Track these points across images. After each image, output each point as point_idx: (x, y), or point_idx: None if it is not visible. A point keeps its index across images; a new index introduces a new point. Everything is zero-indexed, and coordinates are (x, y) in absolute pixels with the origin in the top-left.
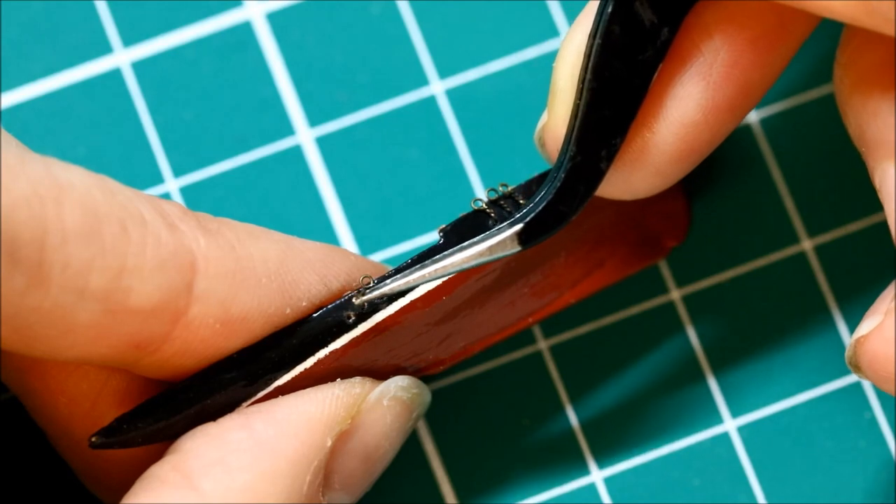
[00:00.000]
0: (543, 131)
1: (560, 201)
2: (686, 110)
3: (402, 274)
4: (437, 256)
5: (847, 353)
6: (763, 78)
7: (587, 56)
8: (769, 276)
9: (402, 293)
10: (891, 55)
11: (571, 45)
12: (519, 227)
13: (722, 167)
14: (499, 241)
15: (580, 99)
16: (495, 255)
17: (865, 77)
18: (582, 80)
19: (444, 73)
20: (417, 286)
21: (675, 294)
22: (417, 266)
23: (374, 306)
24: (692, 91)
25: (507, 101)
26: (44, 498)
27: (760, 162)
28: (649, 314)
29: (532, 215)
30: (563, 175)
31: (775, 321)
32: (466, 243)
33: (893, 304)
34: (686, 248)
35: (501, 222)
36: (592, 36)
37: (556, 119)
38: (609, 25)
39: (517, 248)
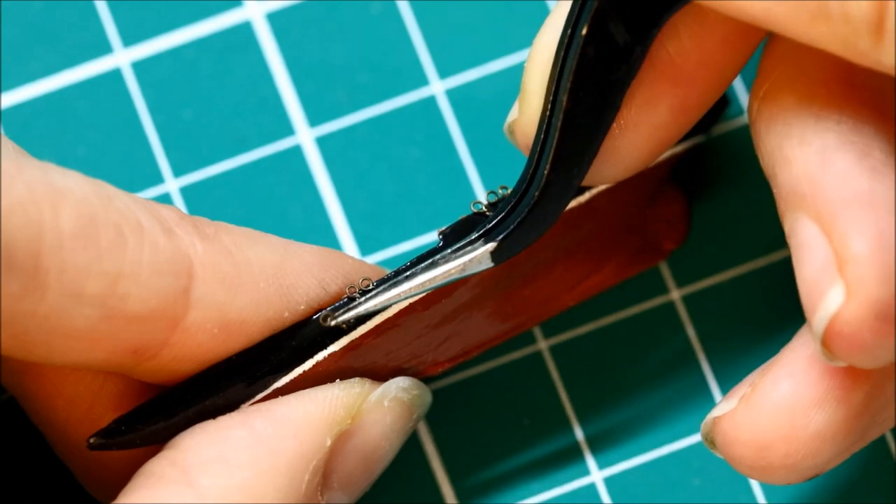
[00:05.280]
0: (513, 126)
1: (534, 219)
2: (656, 113)
3: (373, 294)
4: (409, 273)
5: (702, 430)
6: (733, 72)
7: (557, 76)
8: (769, 276)
9: (375, 313)
10: (813, 91)
11: (542, 45)
12: (492, 245)
13: (722, 167)
14: (472, 259)
15: (552, 116)
16: (468, 273)
17: (782, 116)
18: (553, 98)
19: (444, 73)
20: (389, 306)
21: (675, 294)
22: (389, 285)
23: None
24: (662, 94)
25: (507, 101)
26: (43, 498)
27: None
28: (649, 314)
29: (505, 233)
30: (537, 194)
31: (775, 321)
32: (440, 258)
33: (749, 390)
34: (686, 249)
35: (489, 230)
36: (563, 56)
37: (527, 119)
38: (584, 48)
39: (490, 265)
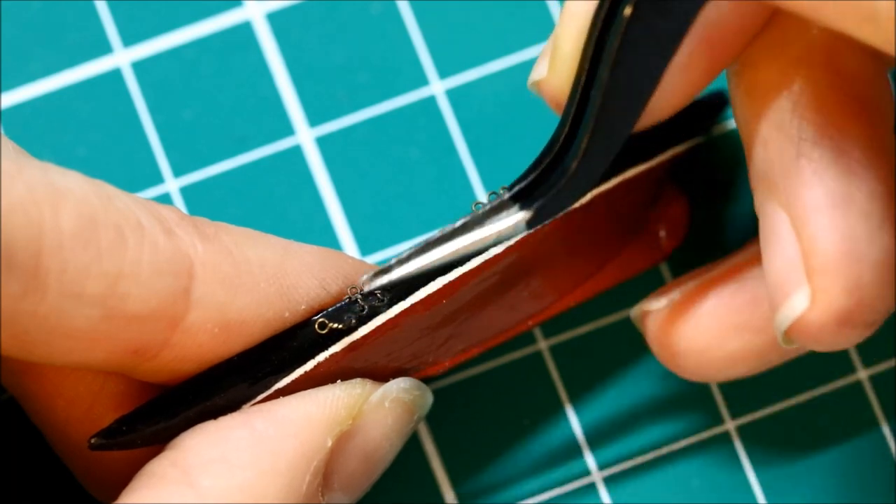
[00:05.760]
0: (541, 85)
1: (571, 188)
2: (689, 75)
3: (408, 259)
4: (443, 237)
5: (632, 315)
6: None
7: (595, 48)
8: None
9: (410, 285)
10: (796, 71)
11: (577, 6)
12: (529, 214)
13: (722, 167)
14: (507, 227)
15: (591, 88)
16: (502, 239)
17: (762, 90)
18: (591, 69)
19: (444, 73)
20: (429, 272)
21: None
22: (423, 249)
23: (375, 309)
24: (698, 59)
25: (507, 101)
26: (43, 498)
27: None
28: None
29: (542, 202)
30: (575, 165)
31: None
32: (473, 221)
33: (678, 297)
34: (686, 249)
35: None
36: (601, 29)
37: (558, 80)
38: (626, 31)
39: (524, 232)
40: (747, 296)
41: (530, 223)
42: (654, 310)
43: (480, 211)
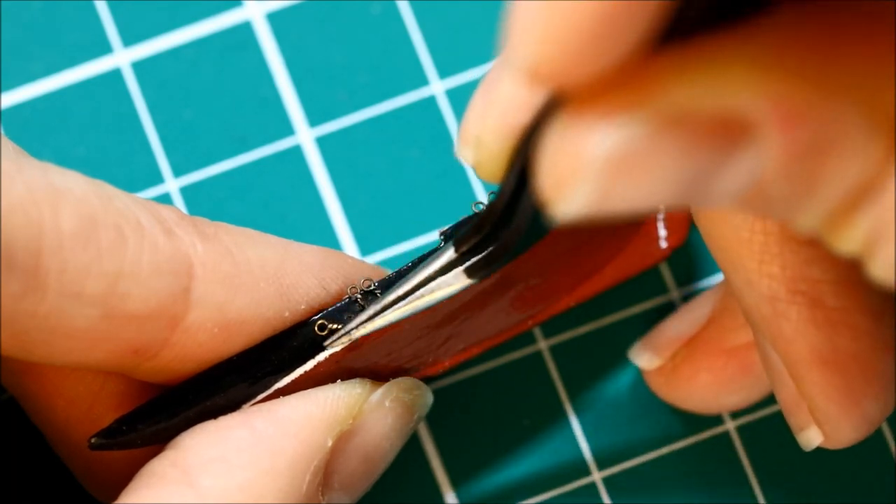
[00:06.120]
0: (474, 168)
1: (505, 253)
2: None
3: (357, 320)
4: (396, 298)
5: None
6: None
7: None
8: None
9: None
10: (747, 223)
11: (499, 127)
12: (475, 280)
13: None
14: (452, 291)
15: (523, 196)
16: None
17: (723, 246)
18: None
19: (444, 73)
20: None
21: (675, 294)
22: (376, 310)
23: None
24: None
25: None
26: (43, 498)
27: None
28: (649, 314)
29: (483, 260)
30: (514, 239)
31: None
32: (416, 286)
33: (670, 365)
34: (686, 249)
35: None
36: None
37: (486, 174)
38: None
39: (470, 283)
40: (738, 365)
41: (470, 275)
42: (646, 370)
43: (422, 266)
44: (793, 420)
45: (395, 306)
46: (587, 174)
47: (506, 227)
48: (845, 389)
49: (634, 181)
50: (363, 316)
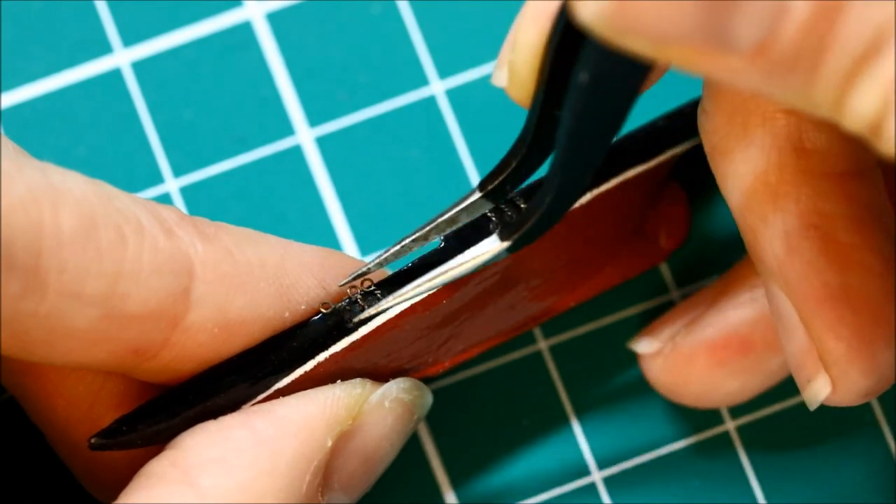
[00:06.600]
0: (506, 90)
1: (548, 219)
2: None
3: (393, 290)
4: (421, 267)
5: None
6: None
7: (554, 95)
8: None
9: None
10: (767, 157)
11: (528, 40)
12: (507, 244)
13: None
14: (490, 257)
15: (558, 128)
16: (484, 264)
17: (739, 180)
18: (551, 107)
19: (444, 73)
20: (407, 300)
21: (675, 294)
22: (406, 278)
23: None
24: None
25: (507, 101)
26: (44, 498)
27: None
28: (649, 314)
29: (520, 233)
30: (549, 199)
31: None
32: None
33: (670, 347)
34: (686, 249)
35: (502, 227)
36: (559, 74)
37: (518, 93)
38: (587, 98)
39: (504, 256)
40: (737, 344)
41: (511, 250)
42: (646, 354)
43: (448, 209)
44: (800, 373)
45: (426, 276)
46: None
47: (530, 162)
48: (855, 328)
49: None
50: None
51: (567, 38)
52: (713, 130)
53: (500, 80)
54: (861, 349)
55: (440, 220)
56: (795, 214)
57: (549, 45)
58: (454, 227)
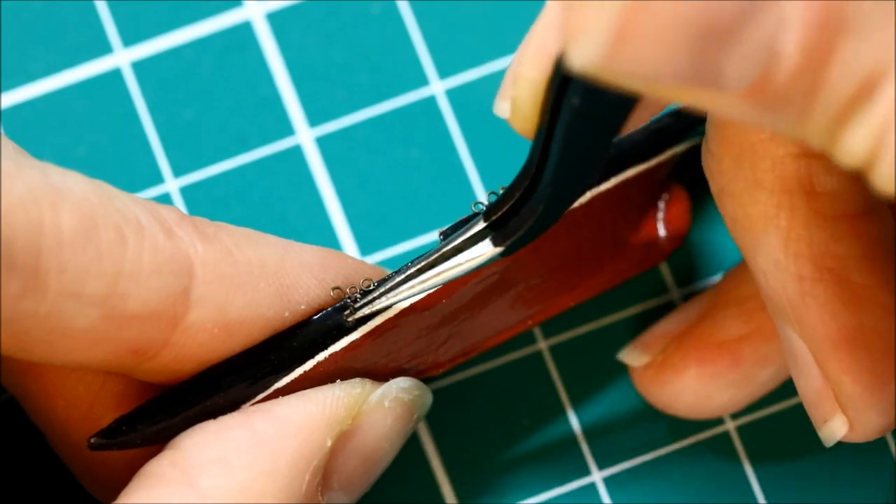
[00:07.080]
0: (509, 121)
1: (541, 226)
2: (638, 121)
3: (388, 288)
4: (418, 268)
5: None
6: None
7: (549, 119)
8: None
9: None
10: (775, 200)
11: (529, 65)
12: (500, 249)
13: None
14: (483, 261)
15: (549, 141)
16: (478, 266)
17: (747, 222)
18: (546, 137)
19: (444, 73)
20: (406, 299)
21: (675, 294)
22: (402, 279)
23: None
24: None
25: None
26: (44, 498)
27: None
28: (649, 314)
29: (513, 239)
30: (541, 208)
31: None
32: (447, 250)
33: (660, 359)
34: (686, 249)
35: (496, 232)
36: (554, 101)
37: (521, 125)
38: (573, 120)
39: (497, 258)
40: (728, 358)
41: (504, 254)
42: (636, 367)
43: (453, 238)
44: (816, 412)
45: (423, 276)
46: (600, 16)
47: (534, 192)
48: (872, 369)
49: (646, 29)
50: (390, 283)
51: (568, 77)
52: (721, 173)
53: (503, 111)
54: (878, 390)
55: (445, 248)
56: (808, 258)
57: (550, 83)
58: (451, 224)
